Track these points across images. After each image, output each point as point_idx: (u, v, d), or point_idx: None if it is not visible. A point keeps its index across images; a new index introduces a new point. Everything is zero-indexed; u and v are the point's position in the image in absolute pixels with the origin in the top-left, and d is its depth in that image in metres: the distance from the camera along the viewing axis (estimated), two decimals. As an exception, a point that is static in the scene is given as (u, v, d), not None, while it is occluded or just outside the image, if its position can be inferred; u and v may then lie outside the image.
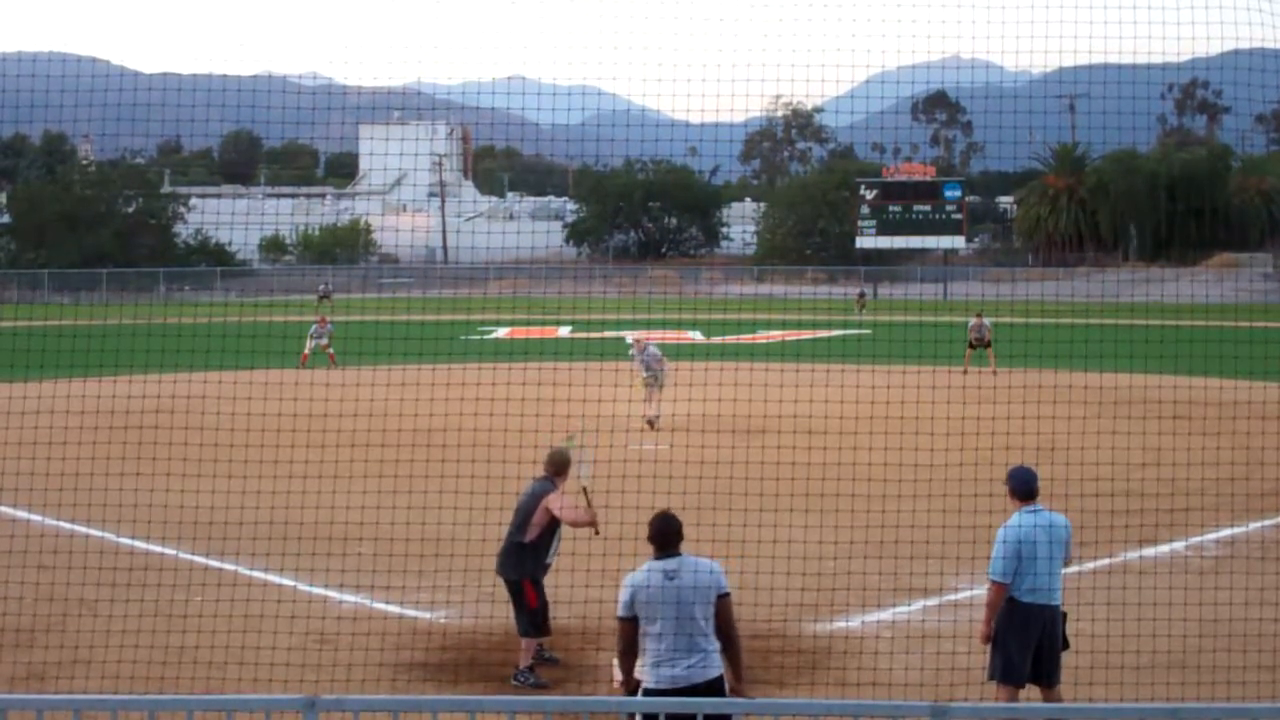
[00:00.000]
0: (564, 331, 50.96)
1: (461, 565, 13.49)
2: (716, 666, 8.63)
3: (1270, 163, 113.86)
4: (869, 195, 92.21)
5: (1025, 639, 9.93)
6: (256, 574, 14.84)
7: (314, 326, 40.83)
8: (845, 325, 54.76)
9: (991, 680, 10.10)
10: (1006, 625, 9.99)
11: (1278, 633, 11.98)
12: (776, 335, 50.40)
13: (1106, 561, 15.47)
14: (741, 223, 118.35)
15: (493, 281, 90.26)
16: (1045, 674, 10.02)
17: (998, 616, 10.04)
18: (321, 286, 78.66)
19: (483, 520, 14.36)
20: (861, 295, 75.66)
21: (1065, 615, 10.21)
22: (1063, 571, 10.20)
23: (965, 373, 34.40)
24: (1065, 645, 10.21)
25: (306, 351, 39.32)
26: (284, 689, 10.76)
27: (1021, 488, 10.32)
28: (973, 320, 39.04)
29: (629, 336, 28.90)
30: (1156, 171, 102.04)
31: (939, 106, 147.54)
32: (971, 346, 38.28)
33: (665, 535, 8.84)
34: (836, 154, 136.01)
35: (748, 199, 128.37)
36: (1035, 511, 10.21)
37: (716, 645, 8.65)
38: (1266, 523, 18.05)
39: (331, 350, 39.66)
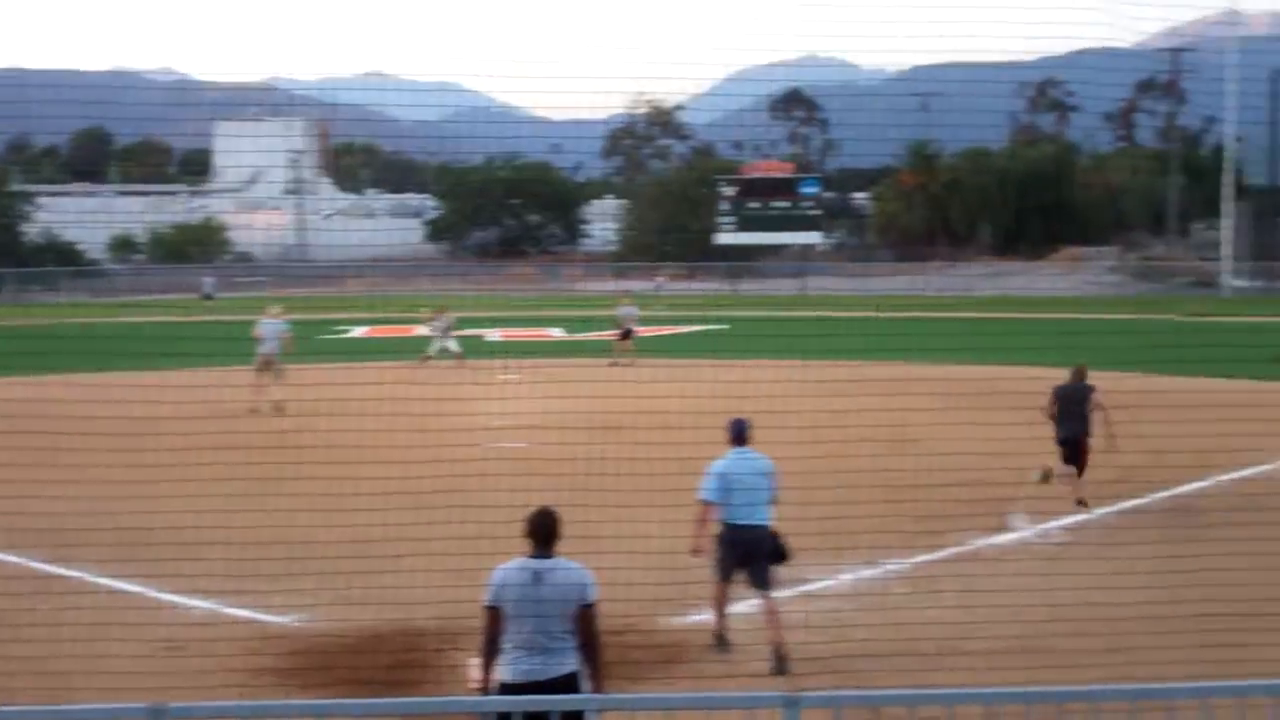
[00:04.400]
0: (423, 330, 50.55)
1: (315, 569, 13.33)
2: (572, 663, 8.61)
3: (1116, 159, 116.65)
4: (728, 192, 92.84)
5: (732, 551, 12.55)
6: (104, 581, 14.52)
7: (432, 324, 39.77)
8: (705, 320, 55.03)
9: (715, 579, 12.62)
10: (719, 541, 12.63)
11: (1122, 616, 12.25)
12: (638, 331, 50.44)
13: (954, 550, 15.76)
14: (603, 219, 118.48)
15: (351, 279, 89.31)
16: (758, 582, 12.53)
17: (718, 535, 12.63)
18: (206, 282, 77.20)
19: (333, 523, 14.22)
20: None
21: (777, 535, 12.58)
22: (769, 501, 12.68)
23: (614, 365, 35.20)
24: (783, 558, 12.60)
25: (431, 352, 38.53)
26: (131, 698, 10.54)
27: (734, 433, 13.03)
28: (629, 310, 39.78)
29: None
30: (1007, 168, 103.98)
31: (796, 104, 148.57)
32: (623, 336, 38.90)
33: (541, 532, 8.76)
34: (697, 151, 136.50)
35: (609, 196, 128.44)
36: (742, 451, 12.84)
37: (573, 644, 8.63)
38: (1111, 509, 18.50)
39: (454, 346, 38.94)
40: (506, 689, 8.54)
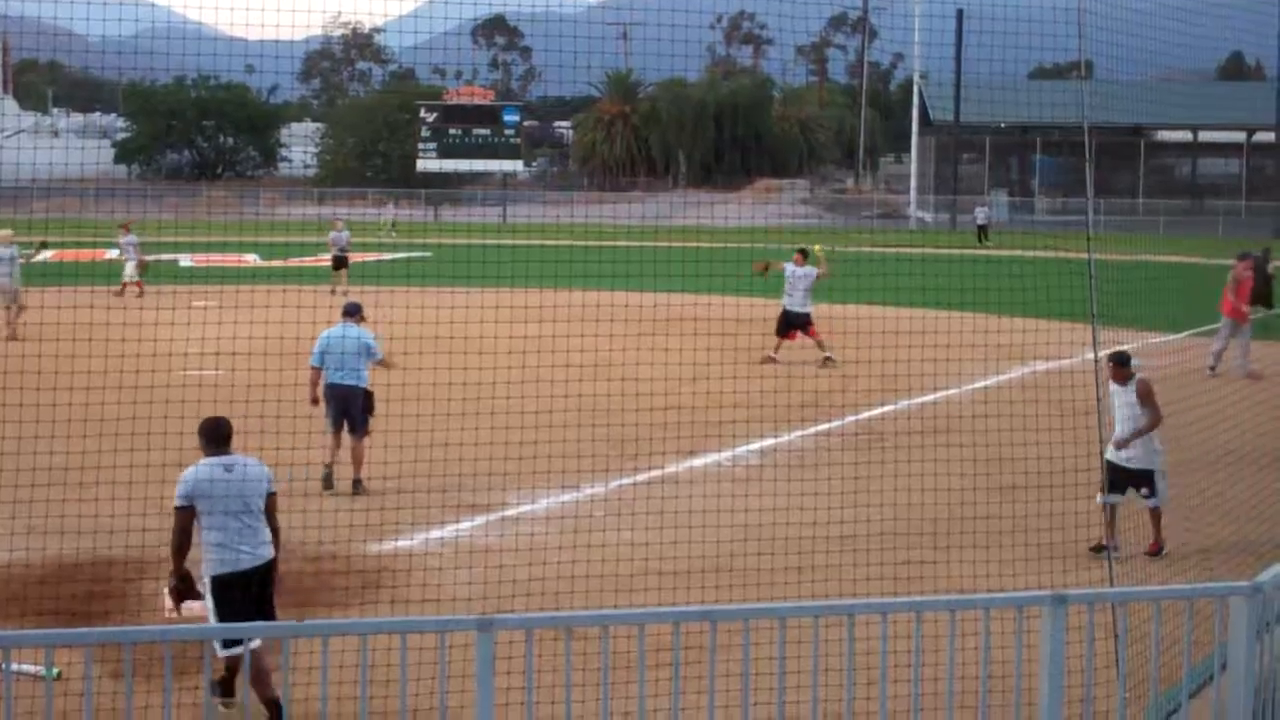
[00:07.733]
0: (113, 254, 48.72)
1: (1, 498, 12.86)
2: (270, 549, 9.32)
3: (808, 93, 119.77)
4: (429, 118, 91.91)
5: (331, 405, 15.74)
6: None
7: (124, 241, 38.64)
8: (410, 248, 54.59)
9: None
10: (325, 397, 15.77)
11: (807, 535, 12.73)
12: (351, 258, 49.76)
13: (647, 475, 16.12)
14: (302, 143, 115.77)
15: (37, 201, 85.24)
16: (353, 429, 15.66)
17: (324, 393, 15.78)
18: None
19: (20, 451, 13.73)
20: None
21: (369, 393, 15.82)
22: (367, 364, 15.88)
23: (334, 292, 34.08)
24: (370, 410, 15.75)
25: (127, 277, 37.46)
26: None
27: (343, 311, 16.38)
28: (340, 234, 40.13)
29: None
30: (704, 100, 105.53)
31: (499, 30, 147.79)
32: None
33: (217, 434, 9.46)
34: (397, 75, 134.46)
35: (307, 119, 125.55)
36: (344, 326, 16.01)
37: (268, 533, 9.34)
38: (799, 433, 19.19)
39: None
40: (219, 582, 9.05)
